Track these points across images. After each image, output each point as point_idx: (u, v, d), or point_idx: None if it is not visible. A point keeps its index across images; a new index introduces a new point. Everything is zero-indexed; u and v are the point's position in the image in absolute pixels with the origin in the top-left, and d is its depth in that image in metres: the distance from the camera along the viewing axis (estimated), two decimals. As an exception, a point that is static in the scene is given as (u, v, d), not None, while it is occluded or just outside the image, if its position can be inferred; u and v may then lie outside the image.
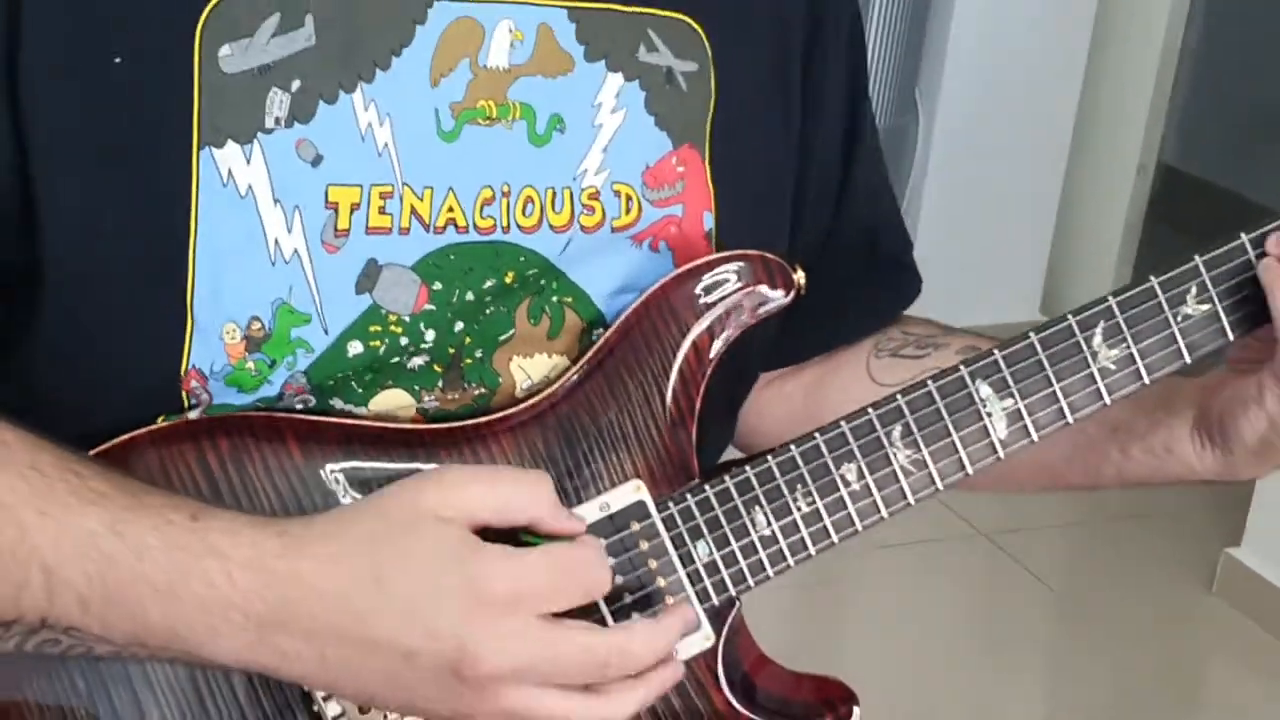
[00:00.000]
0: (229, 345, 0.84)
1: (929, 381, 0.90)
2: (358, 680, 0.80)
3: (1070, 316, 0.91)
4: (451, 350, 0.88)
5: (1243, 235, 0.92)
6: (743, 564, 0.88)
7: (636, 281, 0.91)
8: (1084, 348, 0.91)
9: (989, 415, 0.90)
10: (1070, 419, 0.91)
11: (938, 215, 3.54)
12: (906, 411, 0.90)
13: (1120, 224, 3.76)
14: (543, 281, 0.90)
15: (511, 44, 0.87)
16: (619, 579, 0.87)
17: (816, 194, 1.02)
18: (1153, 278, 0.91)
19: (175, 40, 0.81)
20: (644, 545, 0.87)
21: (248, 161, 0.83)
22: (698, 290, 0.90)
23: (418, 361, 0.88)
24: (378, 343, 0.87)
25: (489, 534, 0.80)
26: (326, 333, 0.86)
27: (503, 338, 0.89)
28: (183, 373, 0.84)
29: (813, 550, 0.89)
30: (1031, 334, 0.91)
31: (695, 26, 0.93)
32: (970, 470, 0.90)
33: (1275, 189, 3.60)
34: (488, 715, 0.80)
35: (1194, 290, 0.91)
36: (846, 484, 0.89)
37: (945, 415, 0.90)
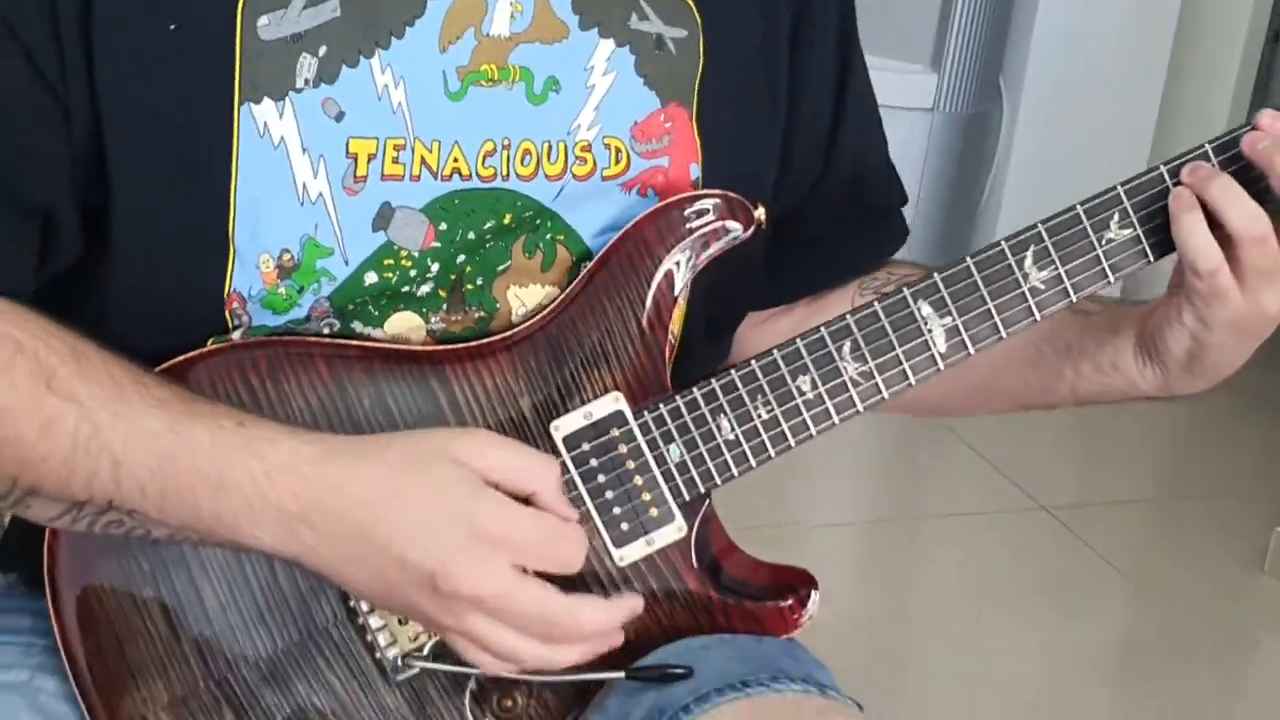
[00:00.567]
0: (264, 273, 0.98)
1: (875, 303, 1.01)
2: (361, 576, 0.93)
3: (1003, 242, 1.02)
4: (453, 277, 1.02)
5: (1161, 166, 1.02)
6: (710, 464, 1.01)
7: (622, 222, 1.03)
8: (1015, 270, 1.01)
9: (929, 331, 1.01)
10: (1004, 334, 1.02)
11: (1021, 202, 3.61)
12: (855, 329, 1.01)
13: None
14: (538, 222, 1.03)
15: (512, 15, 1.00)
16: (602, 479, 1.00)
17: (803, 150, 1.13)
18: (1078, 205, 1.02)
19: (221, 11, 0.95)
20: (622, 449, 1.00)
21: (280, 116, 0.96)
22: (668, 225, 1.02)
23: (425, 288, 1.01)
24: (390, 274, 1.00)
25: None
26: (347, 264, 0.99)
27: (500, 268, 1.03)
28: (226, 295, 0.98)
29: (772, 452, 1.01)
30: (968, 258, 1.02)
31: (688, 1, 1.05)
32: (913, 380, 1.02)
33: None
34: (453, 629, 0.93)
35: (1116, 216, 1.02)
36: (801, 394, 1.01)
37: (890, 332, 1.01)
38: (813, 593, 1.04)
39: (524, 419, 1.00)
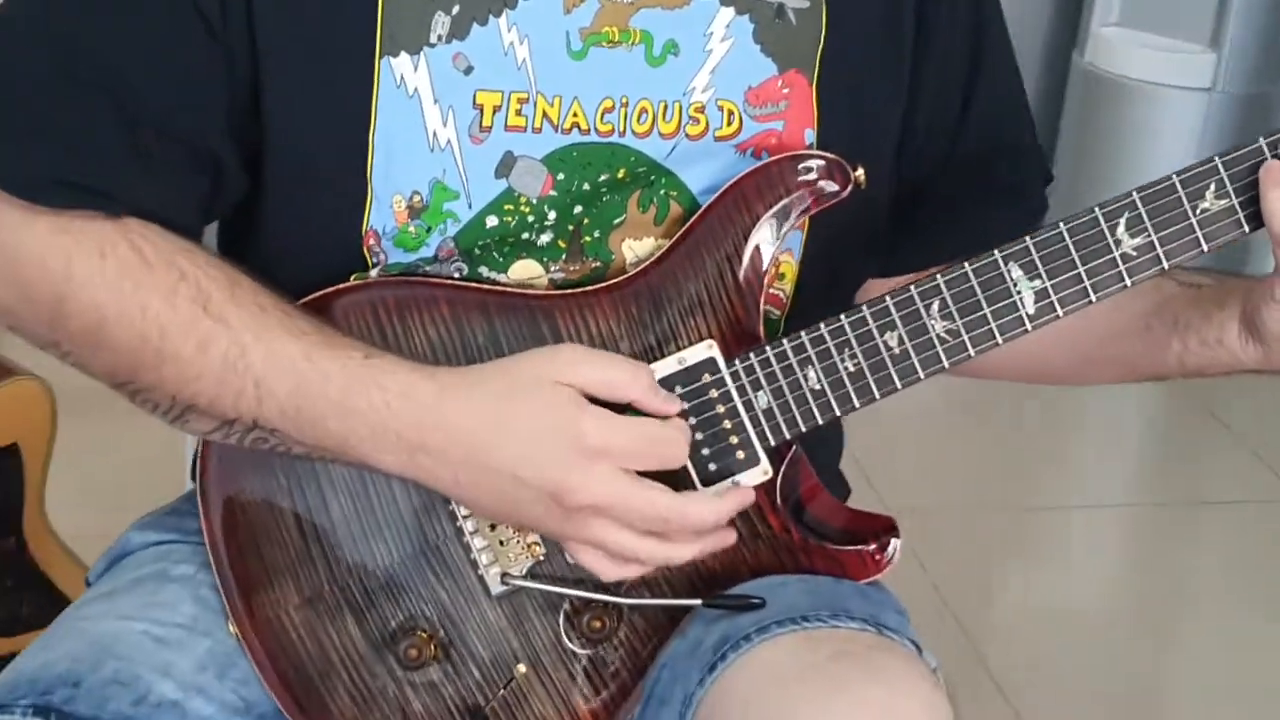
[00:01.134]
0: (396, 212, 1.07)
1: (965, 264, 1.05)
2: (481, 496, 1.02)
3: (1097, 209, 1.04)
4: (571, 228, 1.09)
5: (1261, 139, 1.02)
6: (795, 411, 1.06)
7: (731, 179, 1.09)
8: (1107, 235, 1.03)
9: (1019, 294, 1.04)
10: (1093, 298, 1.04)
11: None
12: (944, 289, 1.05)
13: None
14: (652, 177, 1.09)
15: None
16: (693, 420, 1.06)
17: (930, 122, 1.17)
18: (1174, 175, 1.03)
19: None
20: (713, 394, 1.06)
21: (415, 69, 1.05)
22: (767, 182, 1.07)
23: (545, 238, 1.09)
24: (510, 219, 1.08)
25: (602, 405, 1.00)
26: (470, 207, 1.08)
27: (616, 221, 1.10)
28: (363, 232, 1.08)
29: (856, 403, 1.06)
30: (1061, 223, 1.04)
31: None
32: (1000, 340, 1.05)
33: None
34: (575, 536, 1.01)
35: (1213, 187, 1.03)
36: (889, 348, 1.05)
37: (979, 292, 1.04)
38: (894, 540, 1.09)
39: None
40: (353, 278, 1.09)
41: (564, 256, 1.10)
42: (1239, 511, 2.96)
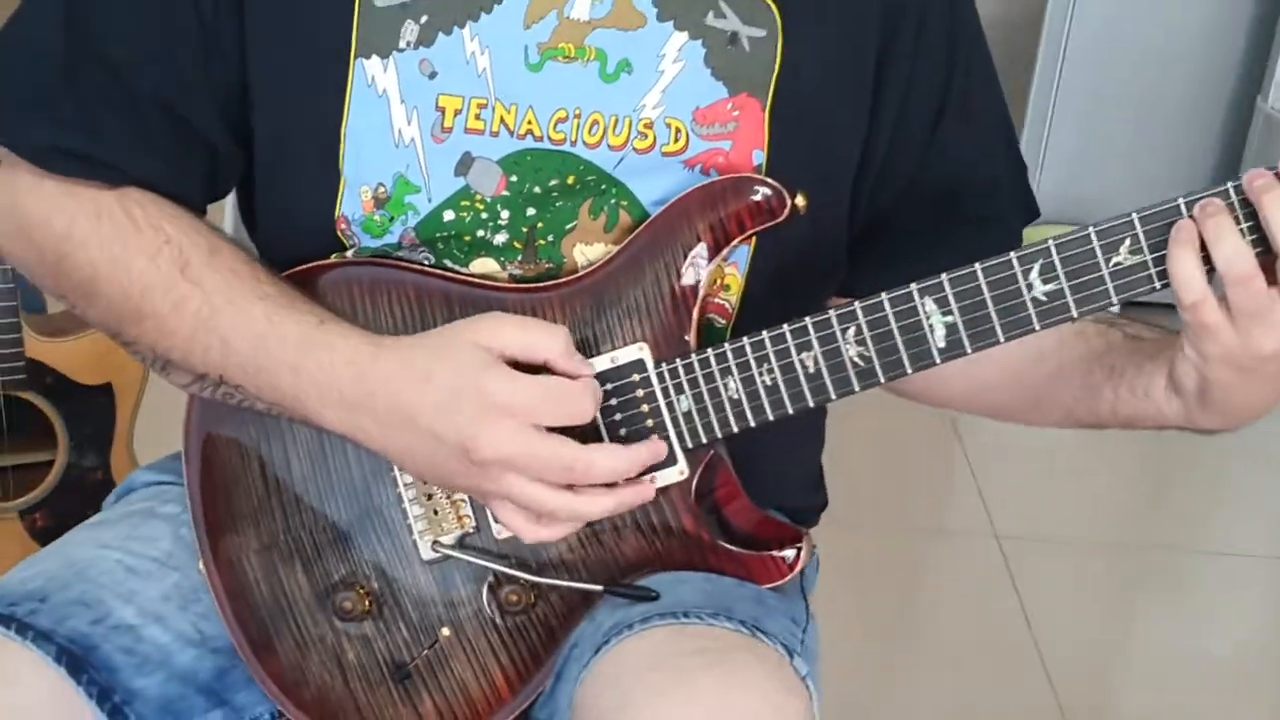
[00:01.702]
0: (364, 201, 1.17)
1: (883, 294, 1.09)
2: (407, 455, 1.10)
3: (1012, 254, 1.07)
4: (526, 230, 1.17)
5: (1179, 198, 1.05)
6: (713, 417, 1.12)
7: (679, 193, 1.14)
8: (1020, 279, 1.07)
9: (930, 327, 1.08)
10: (1001, 338, 1.07)
11: None
12: (861, 315, 1.09)
13: None
14: (603, 186, 1.16)
15: (592, 2, 1.14)
16: (618, 416, 1.13)
17: (889, 153, 1.21)
18: (1091, 227, 1.06)
19: None
20: (639, 393, 1.13)
21: (385, 71, 1.14)
22: (709, 199, 1.13)
23: (501, 238, 1.17)
24: (465, 214, 1.16)
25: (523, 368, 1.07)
26: (430, 201, 1.16)
27: (569, 226, 1.17)
28: (337, 216, 1.17)
29: (770, 414, 1.11)
30: (977, 265, 1.08)
31: (769, 2, 1.16)
32: (909, 370, 1.09)
33: None
34: (492, 492, 1.09)
35: (1128, 242, 1.05)
36: (804, 367, 1.10)
37: (893, 322, 1.09)
38: (799, 549, 1.14)
39: None
40: (333, 256, 1.19)
41: (520, 257, 1.17)
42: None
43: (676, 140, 1.15)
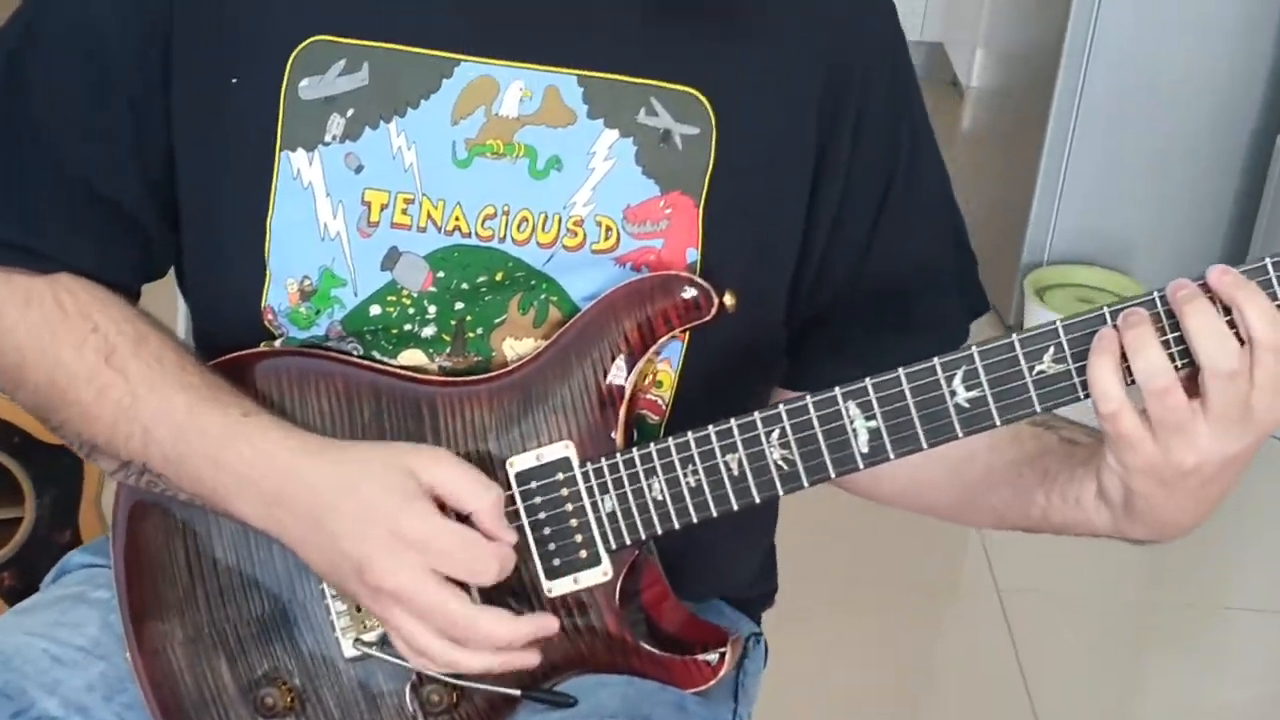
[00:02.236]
0: (290, 293, 1.16)
1: (807, 397, 1.07)
2: (314, 556, 1.10)
3: (936, 360, 1.05)
4: (454, 323, 1.15)
5: (1105, 307, 1.03)
6: (637, 519, 1.10)
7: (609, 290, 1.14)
8: (943, 386, 1.05)
9: (854, 432, 1.07)
10: (924, 444, 1.06)
11: None
12: (785, 418, 1.08)
13: None
14: (532, 282, 1.15)
15: (521, 99, 1.13)
16: (543, 515, 1.11)
17: (827, 252, 1.19)
18: (1015, 335, 1.04)
19: (273, 72, 1.13)
20: (564, 492, 1.11)
21: (310, 164, 1.13)
22: (637, 297, 1.11)
23: (429, 331, 1.16)
24: (392, 309, 1.15)
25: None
26: (356, 295, 1.15)
27: (498, 320, 1.15)
28: (263, 307, 1.16)
29: (694, 517, 1.10)
30: (901, 370, 1.06)
31: (702, 99, 1.14)
32: (833, 474, 1.07)
33: None
34: (380, 617, 1.09)
35: (1051, 350, 1.03)
36: (728, 469, 1.09)
37: (816, 426, 1.07)
38: (723, 653, 1.12)
39: (489, 452, 1.13)
40: (261, 345, 1.18)
41: (449, 349, 1.16)
42: None
43: (607, 238, 1.14)
